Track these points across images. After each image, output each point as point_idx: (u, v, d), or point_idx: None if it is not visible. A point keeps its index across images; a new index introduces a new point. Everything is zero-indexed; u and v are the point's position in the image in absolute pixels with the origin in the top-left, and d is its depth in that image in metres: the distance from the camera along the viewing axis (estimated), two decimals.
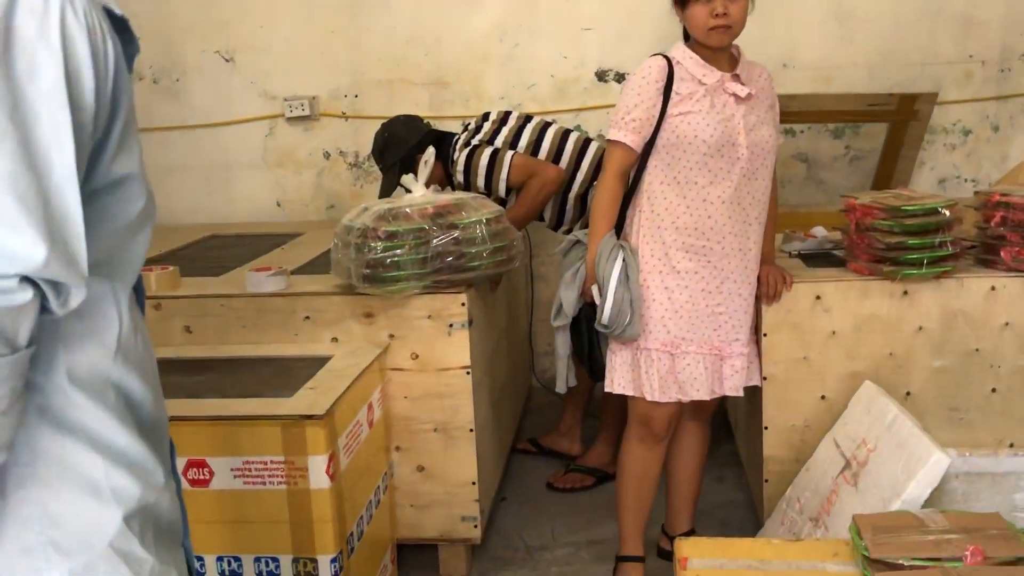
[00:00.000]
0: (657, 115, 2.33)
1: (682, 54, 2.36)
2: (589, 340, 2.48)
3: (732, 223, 2.35)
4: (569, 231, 3.22)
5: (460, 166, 3.18)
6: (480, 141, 3.21)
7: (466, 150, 3.19)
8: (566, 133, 3.25)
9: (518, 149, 3.17)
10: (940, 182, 4.02)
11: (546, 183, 3.11)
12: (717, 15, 2.23)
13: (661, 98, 2.32)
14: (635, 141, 2.34)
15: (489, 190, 3.15)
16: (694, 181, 2.33)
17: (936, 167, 4.01)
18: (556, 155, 3.19)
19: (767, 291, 2.52)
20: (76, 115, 0.88)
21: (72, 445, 0.95)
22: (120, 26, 0.99)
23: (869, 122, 3.90)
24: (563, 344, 2.55)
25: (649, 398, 2.41)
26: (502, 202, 3.13)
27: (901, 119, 3.70)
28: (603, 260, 2.38)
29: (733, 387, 2.45)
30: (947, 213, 2.43)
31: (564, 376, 2.59)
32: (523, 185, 3.13)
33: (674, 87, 2.32)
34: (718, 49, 2.32)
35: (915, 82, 3.87)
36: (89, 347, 0.97)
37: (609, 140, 2.39)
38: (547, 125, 3.27)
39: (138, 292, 1.12)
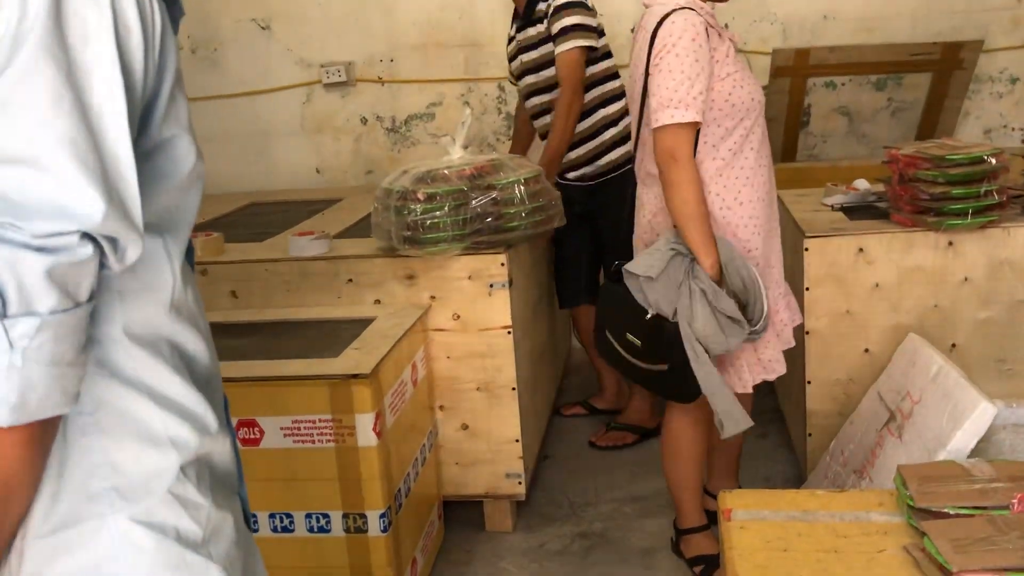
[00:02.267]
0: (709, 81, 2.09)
1: (700, 5, 2.12)
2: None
3: (771, 179, 2.27)
4: None
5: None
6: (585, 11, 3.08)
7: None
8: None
9: (599, 63, 3.12)
10: (986, 132, 3.94)
11: (572, 107, 3.04)
12: None
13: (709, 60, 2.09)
14: (701, 115, 2.07)
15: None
16: (751, 148, 2.16)
17: (982, 116, 3.93)
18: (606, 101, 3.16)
19: None
20: (128, 75, 0.91)
21: (131, 396, 0.99)
22: None
23: (912, 72, 3.82)
24: (708, 375, 2.12)
25: (740, 391, 2.25)
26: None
27: (945, 68, 3.63)
28: (738, 260, 2.12)
29: (785, 341, 2.36)
30: (993, 161, 2.39)
31: (738, 407, 2.18)
32: (560, 83, 3.05)
33: (712, 44, 2.09)
34: None
35: (960, 30, 3.78)
36: (144, 302, 1.01)
37: (676, 124, 2.04)
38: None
39: (188, 252, 1.15)
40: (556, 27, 3.05)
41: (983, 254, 2.49)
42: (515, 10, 3.26)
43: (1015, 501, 1.68)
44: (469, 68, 4.12)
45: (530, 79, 3.21)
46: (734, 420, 2.15)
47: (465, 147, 2.70)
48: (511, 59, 3.30)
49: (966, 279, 2.52)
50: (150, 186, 0.97)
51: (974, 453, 2.01)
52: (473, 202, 2.53)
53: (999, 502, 1.69)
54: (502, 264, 2.58)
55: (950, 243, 2.49)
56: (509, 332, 2.62)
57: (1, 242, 0.84)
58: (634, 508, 2.87)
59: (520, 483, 2.72)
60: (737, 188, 2.20)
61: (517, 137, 3.60)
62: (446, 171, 2.57)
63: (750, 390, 2.31)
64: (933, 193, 2.42)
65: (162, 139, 0.99)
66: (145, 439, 0.99)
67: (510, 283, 2.61)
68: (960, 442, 2.00)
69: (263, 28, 4.24)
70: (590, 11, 3.09)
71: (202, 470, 1.05)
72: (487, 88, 4.14)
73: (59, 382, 0.88)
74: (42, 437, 0.91)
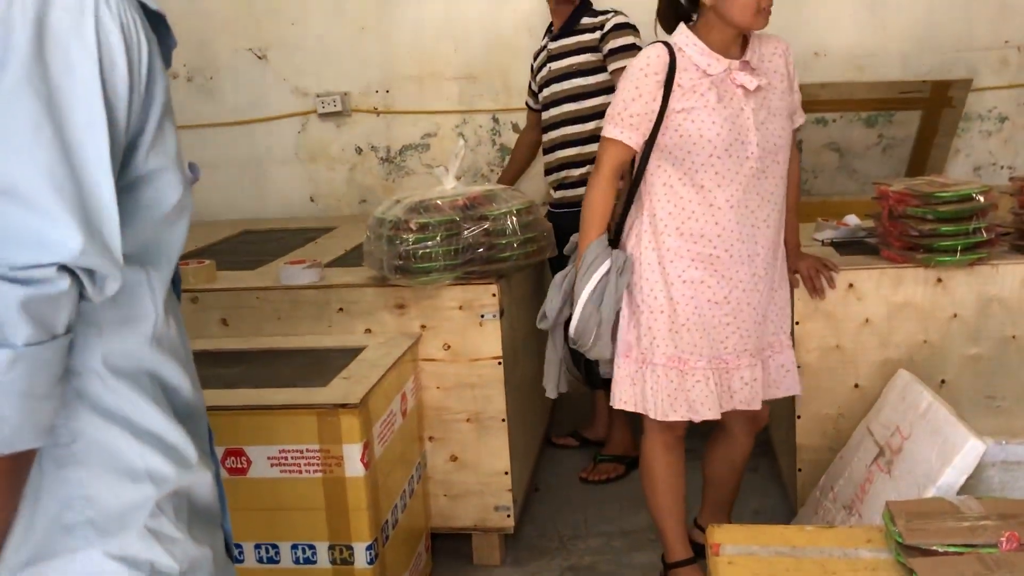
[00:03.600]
0: (657, 110, 2.15)
1: (685, 40, 2.17)
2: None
3: (741, 228, 2.19)
4: None
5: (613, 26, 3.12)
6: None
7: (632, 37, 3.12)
8: None
9: None
10: (976, 170, 3.97)
11: None
12: None
13: (661, 92, 2.15)
14: (632, 139, 2.19)
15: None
16: (700, 184, 2.17)
17: (971, 154, 3.96)
18: None
19: (809, 284, 2.48)
20: (110, 108, 0.91)
21: (109, 428, 0.98)
22: (156, 21, 1.01)
23: (902, 110, 3.86)
24: (551, 348, 2.42)
25: (654, 416, 2.27)
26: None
27: (935, 106, 3.66)
28: (583, 271, 2.25)
29: (744, 400, 2.28)
30: (981, 199, 2.41)
31: (554, 381, 2.45)
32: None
33: (676, 79, 2.14)
34: (737, 32, 2.14)
35: (949, 69, 3.83)
36: (125, 334, 1.00)
37: (603, 137, 2.24)
38: None
39: (175, 283, 1.15)
40: (615, 43, 3.09)
41: (972, 291, 2.51)
42: (550, 24, 3.31)
43: (1004, 539, 1.67)
44: (464, 99, 4.15)
45: (554, 87, 3.22)
46: (550, 384, 2.46)
47: (458, 178, 2.71)
48: (537, 70, 3.32)
49: (955, 315, 2.53)
50: (133, 218, 0.96)
51: (963, 490, 2.01)
52: (465, 232, 2.54)
53: (988, 540, 1.68)
54: (493, 295, 2.59)
55: (939, 279, 2.51)
56: (500, 363, 2.62)
57: None
58: (624, 542, 2.85)
59: (509, 516, 2.70)
60: (667, 220, 2.22)
61: (512, 162, 3.62)
62: (439, 201, 2.58)
63: (669, 419, 2.27)
64: (922, 230, 2.44)
65: (147, 171, 0.99)
66: (122, 472, 0.98)
67: (501, 313, 2.61)
68: (949, 478, 1.99)
69: (259, 57, 4.27)
70: (639, 37, 3.14)
71: (180, 504, 1.04)
72: (481, 120, 4.16)
73: (32, 416, 0.87)
74: (15, 469, 0.90)
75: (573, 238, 2.42)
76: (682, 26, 2.23)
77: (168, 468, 1.02)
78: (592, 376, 2.42)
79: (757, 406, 2.31)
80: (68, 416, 0.95)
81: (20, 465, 0.90)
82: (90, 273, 0.89)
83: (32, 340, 0.85)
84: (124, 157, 0.95)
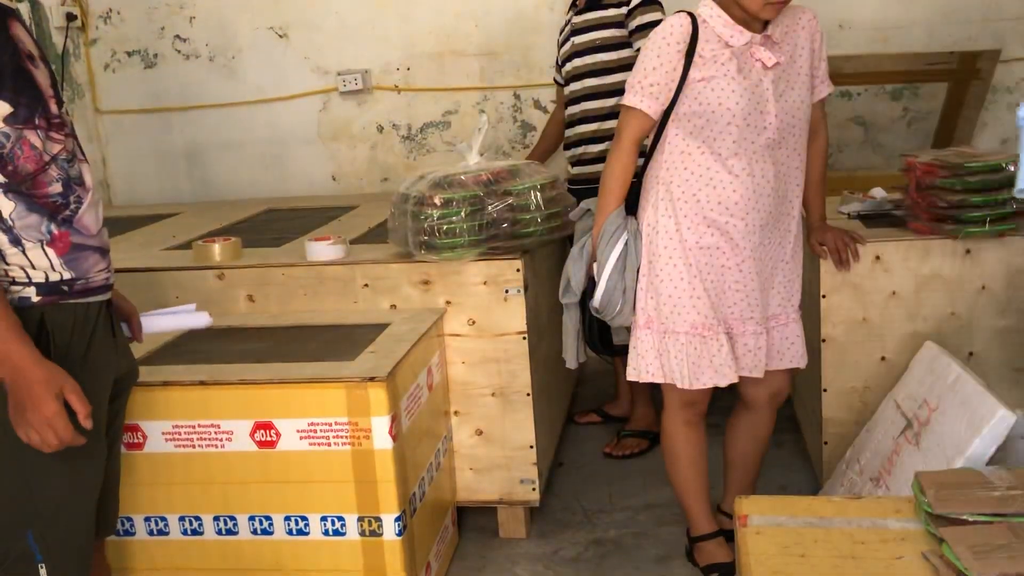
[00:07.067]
0: (678, 80, 2.16)
1: (709, 11, 2.17)
2: (591, 316, 2.38)
3: (757, 197, 2.20)
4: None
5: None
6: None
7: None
8: None
9: None
10: (1003, 142, 3.92)
11: None
12: None
13: (682, 61, 2.16)
14: (652, 108, 2.20)
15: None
16: (717, 152, 2.18)
17: (999, 127, 3.91)
18: None
19: (835, 256, 2.47)
20: None
21: None
22: None
23: (928, 82, 3.81)
24: (571, 319, 2.45)
25: (681, 386, 2.29)
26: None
27: (962, 78, 3.62)
28: (604, 241, 2.27)
29: (747, 367, 2.29)
30: (1011, 169, 2.38)
31: (574, 352, 2.48)
32: None
33: (697, 49, 2.15)
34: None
35: (976, 40, 3.77)
36: None
37: (623, 105, 2.24)
38: None
39: None
40: (642, 19, 3.06)
41: (1001, 262, 2.48)
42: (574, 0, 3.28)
43: None
44: (485, 77, 4.13)
45: (577, 62, 3.20)
46: (570, 355, 2.48)
47: (481, 154, 2.71)
48: (561, 44, 3.30)
49: (984, 287, 2.51)
50: None
51: (992, 461, 2.00)
52: (489, 207, 2.54)
53: (1018, 509, 1.68)
54: (518, 270, 2.59)
55: (968, 251, 2.49)
56: (524, 337, 2.62)
57: None
58: (648, 516, 2.86)
59: (534, 489, 2.71)
60: (683, 187, 2.23)
61: (542, 139, 3.60)
62: (463, 176, 2.58)
63: (695, 387, 2.28)
64: (951, 201, 2.42)
65: None
66: None
67: (525, 288, 2.61)
68: (978, 449, 1.99)
69: (280, 36, 4.27)
70: (664, 13, 3.09)
71: None
72: (503, 96, 4.15)
73: None
74: None
75: (583, 204, 2.46)
76: None
77: None
78: (607, 344, 2.45)
79: (759, 374, 2.32)
80: None
81: None
82: None
83: None
84: None
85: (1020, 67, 3.83)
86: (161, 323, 1.93)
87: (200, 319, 1.96)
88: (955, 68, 3.59)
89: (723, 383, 2.29)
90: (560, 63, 3.33)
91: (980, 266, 2.49)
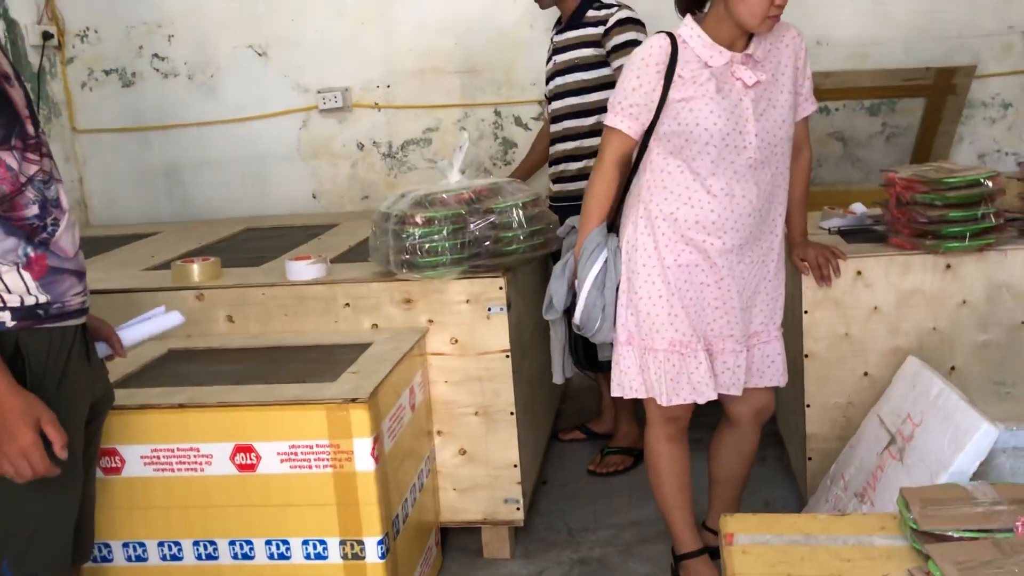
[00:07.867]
0: (657, 100, 2.18)
1: (689, 32, 2.19)
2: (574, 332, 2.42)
3: (735, 217, 2.21)
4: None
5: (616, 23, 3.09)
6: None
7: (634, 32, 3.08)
8: None
9: None
10: (980, 157, 3.96)
11: None
12: (778, 4, 2.08)
13: (662, 82, 2.17)
14: (632, 128, 2.23)
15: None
16: (696, 172, 2.19)
17: (976, 142, 3.95)
18: None
19: (816, 272, 2.47)
20: None
21: None
22: None
23: (906, 97, 3.85)
24: (556, 336, 2.51)
25: (661, 402, 2.30)
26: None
27: (939, 94, 3.66)
28: (584, 258, 2.30)
29: (725, 385, 2.30)
30: (990, 184, 2.40)
31: (560, 367, 2.54)
32: None
33: (676, 69, 2.16)
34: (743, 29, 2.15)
35: (952, 55, 3.82)
36: None
37: (606, 126, 2.27)
38: None
39: None
40: (619, 39, 3.06)
41: (981, 277, 2.50)
42: (559, 18, 3.29)
43: (1019, 524, 1.66)
44: (465, 94, 4.14)
45: (558, 81, 3.22)
46: (557, 370, 2.56)
47: (462, 171, 2.70)
48: (547, 63, 3.31)
49: (964, 302, 2.52)
50: None
51: (975, 477, 2.00)
52: (471, 226, 2.53)
53: (1003, 525, 1.68)
54: (500, 288, 2.58)
55: (948, 266, 2.50)
56: (508, 356, 2.61)
57: None
58: (633, 534, 2.84)
59: (518, 509, 2.69)
60: (662, 206, 2.24)
61: (531, 154, 3.60)
62: (444, 195, 2.57)
63: (674, 403, 2.29)
64: (931, 216, 2.43)
65: None
66: None
67: (508, 307, 2.60)
68: (962, 464, 1.99)
69: (260, 54, 4.25)
70: (645, 31, 3.10)
71: None
72: (483, 113, 4.15)
73: None
74: None
75: (569, 220, 2.49)
76: (688, 18, 2.23)
77: None
78: (592, 361, 2.47)
79: (738, 391, 2.33)
80: None
81: None
82: None
83: None
84: None
85: (995, 82, 3.87)
86: (137, 332, 1.92)
87: (172, 319, 1.95)
88: (932, 84, 3.63)
89: (701, 400, 2.30)
90: (546, 81, 3.34)
91: (960, 281, 2.50)
